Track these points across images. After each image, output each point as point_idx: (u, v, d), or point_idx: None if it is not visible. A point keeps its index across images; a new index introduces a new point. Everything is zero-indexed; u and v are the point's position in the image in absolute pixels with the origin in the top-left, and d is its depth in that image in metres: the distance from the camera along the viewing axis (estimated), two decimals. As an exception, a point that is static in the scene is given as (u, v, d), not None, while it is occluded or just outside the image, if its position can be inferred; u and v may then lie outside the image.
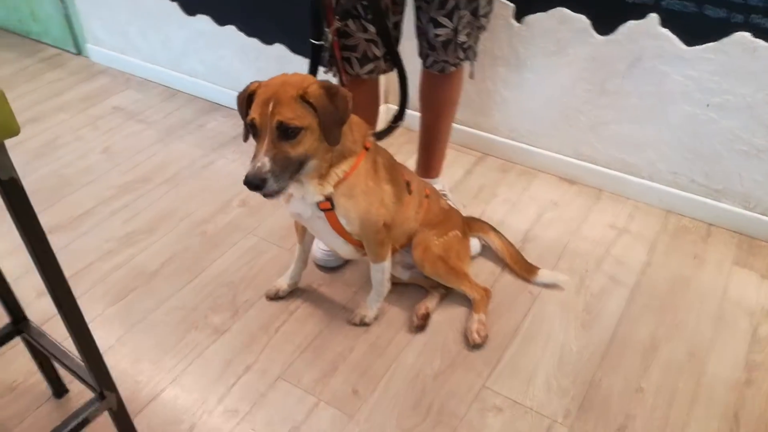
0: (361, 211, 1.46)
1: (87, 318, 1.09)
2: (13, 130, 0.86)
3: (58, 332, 1.45)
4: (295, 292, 1.80)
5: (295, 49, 2.31)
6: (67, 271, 1.74)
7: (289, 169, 1.28)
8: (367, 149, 1.44)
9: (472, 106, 2.24)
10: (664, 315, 1.72)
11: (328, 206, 1.44)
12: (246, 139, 1.38)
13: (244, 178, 1.25)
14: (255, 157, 1.25)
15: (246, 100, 1.31)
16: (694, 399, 1.51)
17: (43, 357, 1.45)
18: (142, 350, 1.64)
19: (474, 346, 1.63)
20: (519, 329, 1.69)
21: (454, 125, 1.97)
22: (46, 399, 1.52)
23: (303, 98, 1.25)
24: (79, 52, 3.11)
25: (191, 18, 2.51)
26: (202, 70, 2.66)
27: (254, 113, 1.26)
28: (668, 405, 1.50)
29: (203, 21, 2.49)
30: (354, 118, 1.41)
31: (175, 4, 2.52)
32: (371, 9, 1.47)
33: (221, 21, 2.44)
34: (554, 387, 1.54)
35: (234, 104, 2.57)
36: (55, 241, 1.94)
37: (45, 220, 2.04)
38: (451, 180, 2.19)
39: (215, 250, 1.95)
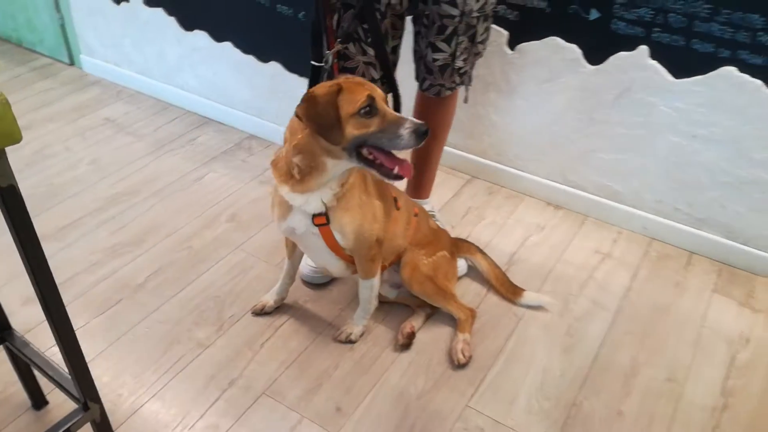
0: (356, 225, 1.48)
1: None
2: (15, 138, 0.87)
3: (40, 342, 1.45)
4: (281, 308, 1.80)
5: (290, 67, 2.33)
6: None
7: None
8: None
9: (462, 130, 2.28)
10: (644, 340, 1.75)
11: (323, 221, 1.45)
12: (338, 140, 1.33)
13: (417, 131, 1.30)
14: (400, 117, 1.32)
15: (336, 93, 1.31)
16: (672, 423, 1.53)
17: (25, 367, 1.44)
18: (124, 363, 1.63)
19: (458, 366, 1.64)
20: (503, 350, 1.70)
21: (444, 147, 2.00)
22: (25, 410, 1.50)
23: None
24: (72, 62, 3.11)
25: (188, 33, 2.54)
26: (196, 85, 2.67)
27: (369, 92, 1.31)
28: (647, 429, 1.52)
29: (200, 36, 2.51)
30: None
31: (172, 18, 2.54)
32: (371, 33, 1.50)
33: (218, 37, 2.47)
34: (536, 409, 1.55)
35: (224, 119, 2.61)
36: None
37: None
38: (440, 201, 2.21)
39: (202, 264, 1.95)
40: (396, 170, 1.35)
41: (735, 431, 1.52)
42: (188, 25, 2.53)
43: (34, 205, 2.16)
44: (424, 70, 1.66)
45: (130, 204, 2.19)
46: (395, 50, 1.63)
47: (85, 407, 1.22)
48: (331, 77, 1.58)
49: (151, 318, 1.76)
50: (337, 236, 1.50)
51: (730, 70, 1.74)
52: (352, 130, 1.30)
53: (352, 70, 1.58)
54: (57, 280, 1.05)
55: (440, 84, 1.67)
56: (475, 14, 1.56)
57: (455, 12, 1.53)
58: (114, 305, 1.80)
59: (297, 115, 1.33)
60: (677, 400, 1.59)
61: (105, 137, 2.56)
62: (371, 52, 1.54)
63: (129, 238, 2.04)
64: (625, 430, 1.51)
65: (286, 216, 1.51)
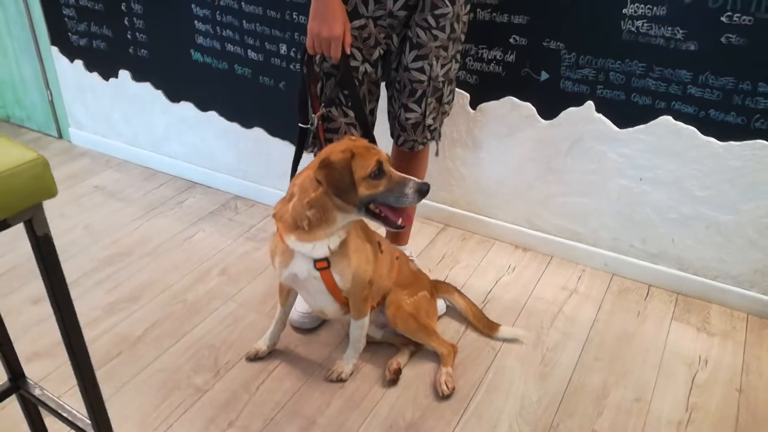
0: (354, 268, 1.64)
1: (70, 383, 1.20)
2: (52, 193, 1.02)
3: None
4: (273, 352, 1.91)
5: (273, 132, 2.52)
6: (55, 338, 1.84)
7: None
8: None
9: (434, 183, 2.46)
10: (612, 365, 1.90)
11: (324, 265, 1.61)
12: (354, 200, 1.54)
13: (420, 190, 1.53)
14: (405, 178, 1.54)
15: (349, 159, 1.51)
16: (643, 439, 1.67)
17: (36, 416, 1.52)
18: (128, 410, 1.71)
19: (443, 397, 1.77)
20: (483, 380, 1.83)
21: (419, 199, 2.18)
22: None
23: None
24: (60, 135, 3.27)
25: (175, 104, 2.72)
26: (182, 152, 2.84)
27: (378, 157, 1.52)
28: (620, 445, 1.65)
29: (186, 107, 2.70)
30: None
31: (159, 91, 2.73)
32: (351, 98, 1.70)
33: (203, 107, 2.66)
34: (517, 432, 1.68)
35: (210, 182, 2.77)
36: (42, 310, 2.03)
37: (30, 290, 2.15)
38: (417, 248, 2.38)
39: (196, 316, 2.06)
40: (399, 221, 1.56)
41: (698, 443, 1.66)
42: (175, 97, 2.72)
43: (33, 267, 2.26)
44: (398, 128, 1.86)
45: (125, 264, 2.31)
46: (372, 112, 1.83)
47: (97, 444, 1.32)
48: (316, 137, 1.76)
49: (151, 367, 1.86)
50: (337, 278, 1.65)
51: (668, 119, 1.98)
52: (364, 191, 1.50)
53: (335, 130, 1.77)
54: (59, 337, 1.17)
55: (413, 140, 1.86)
56: (441, 78, 1.77)
57: (423, 77, 1.74)
58: (114, 358, 1.89)
59: (317, 180, 1.51)
60: (645, 417, 1.73)
61: (97, 203, 2.69)
62: (352, 114, 1.74)
63: (125, 295, 2.15)
64: (599, 447, 1.64)
65: (288, 263, 1.65)
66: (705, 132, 1.94)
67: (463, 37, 1.79)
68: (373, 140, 1.76)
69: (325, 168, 1.50)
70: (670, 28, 1.85)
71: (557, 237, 2.35)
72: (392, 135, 1.92)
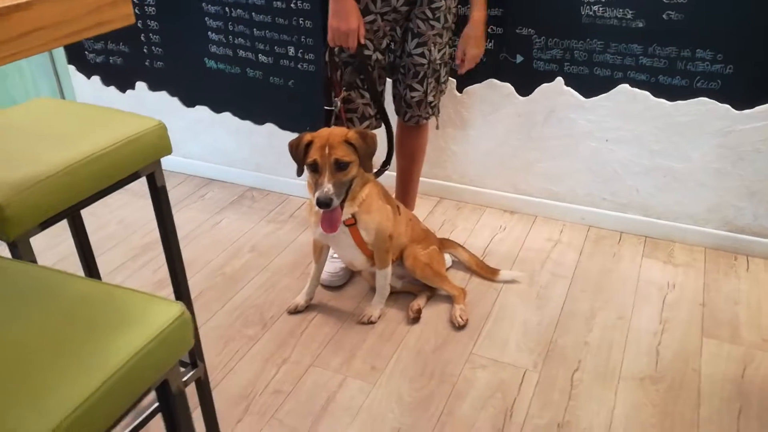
0: (377, 223, 1.97)
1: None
2: (169, 151, 1.33)
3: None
4: (310, 306, 2.22)
5: (284, 126, 2.84)
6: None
7: (342, 190, 1.83)
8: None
9: (429, 161, 2.80)
10: (596, 294, 2.26)
11: (352, 221, 1.94)
12: (300, 173, 1.91)
13: (316, 200, 1.78)
14: (321, 185, 1.79)
15: (303, 147, 1.83)
16: (627, 345, 2.02)
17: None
18: (194, 358, 2.00)
19: (459, 328, 2.10)
20: (491, 313, 2.17)
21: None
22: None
23: (347, 141, 1.81)
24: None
25: (190, 109, 3.02)
26: (198, 152, 3.13)
27: (315, 155, 1.80)
28: (608, 351, 2.00)
29: (201, 110, 3.00)
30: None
31: (175, 98, 3.03)
32: (367, 82, 2.05)
33: (217, 109, 2.96)
34: (523, 348, 2.02)
35: (226, 177, 3.06)
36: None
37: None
38: (419, 218, 2.71)
39: (237, 284, 2.36)
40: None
41: (672, 345, 2.02)
42: (190, 102, 3.02)
43: (76, 258, 2.53)
44: (404, 105, 2.21)
45: (162, 249, 2.59)
46: (382, 93, 2.18)
47: (194, 365, 1.62)
48: (338, 117, 2.10)
49: (206, 326, 2.15)
50: (363, 233, 1.98)
51: (625, 86, 2.36)
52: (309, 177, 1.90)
53: (354, 110, 2.11)
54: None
55: (418, 115, 2.22)
56: (438, 61, 2.13)
57: (424, 61, 2.10)
58: (172, 321, 2.18)
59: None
60: (627, 330, 2.09)
61: (124, 203, 2.97)
62: (367, 95, 2.08)
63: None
64: (592, 353, 1.99)
65: (319, 223, 1.98)
66: (657, 95, 2.33)
67: (453, 27, 2.15)
68: (385, 116, 2.10)
69: (290, 144, 1.90)
70: (621, 10, 2.24)
71: (539, 198, 2.71)
72: (398, 113, 2.27)
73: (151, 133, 1.28)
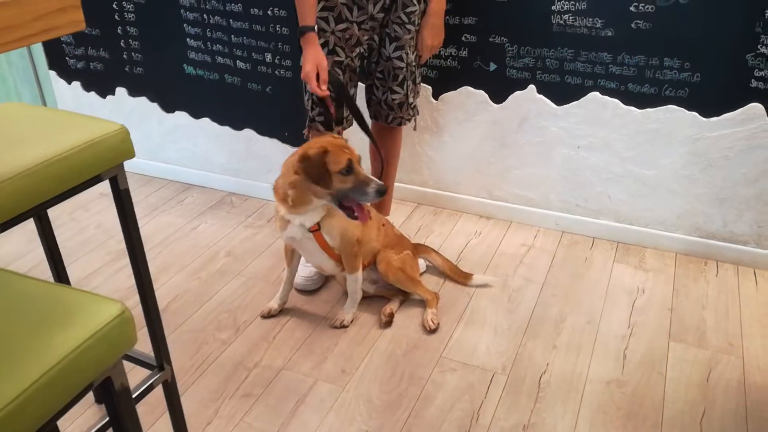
0: (341, 228, 1.98)
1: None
2: (132, 154, 1.35)
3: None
4: (283, 310, 2.24)
5: (262, 132, 2.86)
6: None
7: None
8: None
9: (405, 167, 2.84)
10: (567, 299, 2.29)
11: (315, 227, 1.96)
12: (327, 185, 1.87)
13: (379, 190, 1.84)
14: (365, 180, 1.84)
15: (324, 154, 1.83)
16: (595, 349, 2.05)
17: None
18: (166, 361, 2.02)
19: (430, 332, 2.12)
20: (462, 317, 2.20)
21: (394, 183, 2.55)
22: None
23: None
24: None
25: (170, 115, 3.04)
26: (177, 157, 3.15)
27: (346, 156, 1.84)
28: (576, 354, 2.03)
29: (180, 116, 3.02)
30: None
31: (155, 104, 3.05)
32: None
33: (196, 115, 2.98)
34: (493, 351, 2.04)
35: (205, 182, 3.08)
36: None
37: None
38: (395, 224, 2.74)
39: (211, 288, 2.38)
40: (356, 214, 1.90)
41: (639, 349, 2.05)
42: (169, 108, 3.03)
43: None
44: (386, 108, 2.26)
45: (140, 253, 2.60)
46: (354, 95, 2.22)
47: (160, 368, 1.63)
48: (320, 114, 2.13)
49: (180, 330, 2.16)
50: (327, 238, 2.00)
51: (595, 94, 2.40)
52: (338, 184, 1.84)
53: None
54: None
55: (401, 116, 2.28)
56: (413, 63, 2.19)
57: (402, 64, 2.16)
58: (142, 329, 2.19)
59: (296, 172, 1.86)
60: (596, 334, 2.12)
61: (104, 207, 2.98)
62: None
63: (146, 277, 2.45)
64: (561, 357, 2.02)
65: (286, 227, 2.00)
66: (626, 102, 2.37)
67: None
68: (366, 127, 2.13)
69: (303, 161, 1.85)
70: (590, 19, 2.28)
71: (514, 204, 2.74)
72: (375, 117, 2.31)
73: (113, 137, 1.30)
